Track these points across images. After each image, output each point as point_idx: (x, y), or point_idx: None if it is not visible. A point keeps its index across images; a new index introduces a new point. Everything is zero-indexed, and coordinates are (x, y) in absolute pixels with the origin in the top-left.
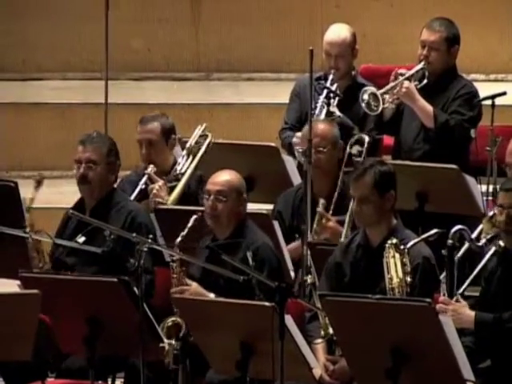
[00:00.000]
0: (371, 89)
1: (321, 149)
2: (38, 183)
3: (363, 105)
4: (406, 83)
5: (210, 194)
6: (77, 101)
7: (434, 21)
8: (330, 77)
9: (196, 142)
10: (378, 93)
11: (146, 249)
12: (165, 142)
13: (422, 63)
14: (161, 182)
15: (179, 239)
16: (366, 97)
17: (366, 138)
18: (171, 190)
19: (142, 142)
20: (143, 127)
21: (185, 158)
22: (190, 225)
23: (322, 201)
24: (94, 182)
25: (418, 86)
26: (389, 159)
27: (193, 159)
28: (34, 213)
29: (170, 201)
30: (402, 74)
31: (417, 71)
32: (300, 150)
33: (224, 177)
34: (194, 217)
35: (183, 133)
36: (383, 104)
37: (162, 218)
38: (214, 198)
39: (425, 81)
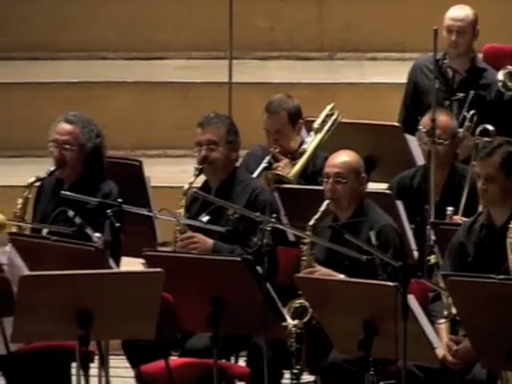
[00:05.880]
0: (509, 68)
1: (441, 141)
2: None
3: (499, 84)
4: None
5: (329, 176)
6: (200, 80)
7: None
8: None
9: (323, 122)
10: None
11: (268, 228)
12: (291, 127)
13: None
14: (285, 160)
15: (312, 222)
16: (501, 77)
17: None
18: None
19: (270, 131)
20: (270, 117)
21: (311, 136)
22: (322, 208)
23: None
24: (217, 162)
25: None
26: None
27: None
28: (156, 191)
29: (292, 174)
30: None
31: None
32: (424, 130)
33: (342, 158)
34: (327, 201)
35: (306, 112)
36: None
37: (285, 197)
38: (333, 181)
39: None
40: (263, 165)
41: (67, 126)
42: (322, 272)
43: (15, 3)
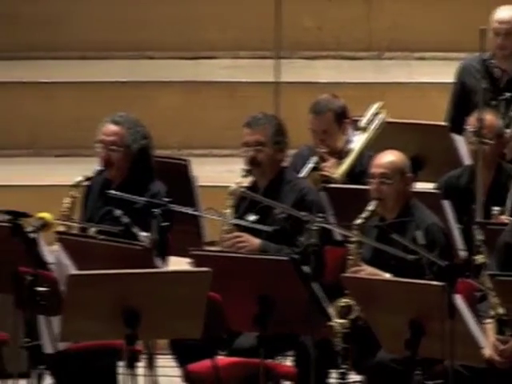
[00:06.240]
0: None
1: (487, 140)
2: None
3: None
4: None
5: (375, 176)
6: (247, 79)
7: None
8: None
9: (370, 121)
10: None
11: (315, 227)
12: (337, 127)
13: None
14: (332, 161)
15: (359, 221)
16: None
17: None
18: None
19: (316, 131)
20: (317, 117)
21: (358, 136)
22: (369, 208)
23: None
24: (264, 163)
25: None
26: None
27: (365, 136)
28: (203, 191)
29: (338, 174)
30: None
31: None
32: (471, 130)
33: (387, 158)
34: (375, 202)
35: (354, 112)
36: None
37: (332, 197)
38: (378, 181)
39: None
40: (310, 165)
41: (113, 127)
42: (367, 271)
43: (66, 3)
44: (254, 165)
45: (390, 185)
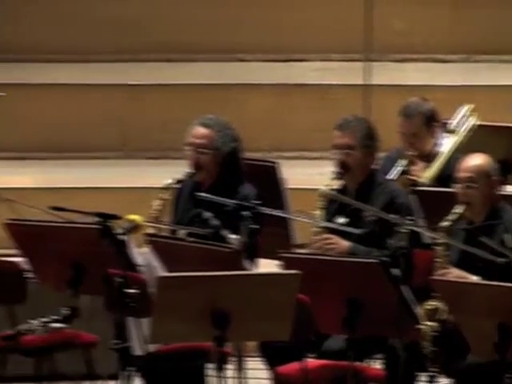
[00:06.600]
0: None
1: None
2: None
3: None
4: None
5: (461, 181)
6: (337, 82)
7: None
8: None
9: (459, 123)
10: None
11: (405, 230)
12: (427, 130)
13: None
14: (421, 164)
15: (446, 223)
16: None
17: None
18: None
19: (405, 134)
20: (406, 120)
21: (447, 138)
22: (457, 211)
23: None
24: (353, 166)
25: None
26: None
27: (454, 139)
28: (293, 193)
29: (427, 177)
30: None
31: None
32: None
33: (472, 162)
34: (462, 205)
35: (443, 115)
36: None
37: (422, 200)
38: (464, 185)
39: None
40: (399, 168)
41: (203, 130)
42: (455, 274)
43: (156, 5)
44: (343, 168)
45: (476, 189)
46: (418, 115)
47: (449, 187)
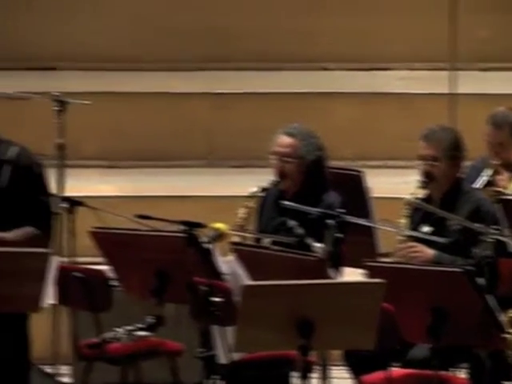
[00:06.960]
0: None
1: None
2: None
3: None
4: None
5: None
6: (423, 91)
7: None
8: None
9: None
10: None
11: (490, 239)
12: None
13: None
14: (506, 174)
15: None
16: None
17: None
18: None
19: (492, 144)
20: (493, 130)
21: None
22: None
23: None
24: (438, 177)
25: None
26: None
27: None
28: (378, 202)
29: (510, 188)
30: None
31: None
32: None
33: None
34: None
35: None
36: None
37: (507, 209)
38: None
39: None
40: (484, 177)
41: (287, 139)
42: None
43: (240, 14)
44: (428, 178)
45: None
46: (506, 125)
47: None
